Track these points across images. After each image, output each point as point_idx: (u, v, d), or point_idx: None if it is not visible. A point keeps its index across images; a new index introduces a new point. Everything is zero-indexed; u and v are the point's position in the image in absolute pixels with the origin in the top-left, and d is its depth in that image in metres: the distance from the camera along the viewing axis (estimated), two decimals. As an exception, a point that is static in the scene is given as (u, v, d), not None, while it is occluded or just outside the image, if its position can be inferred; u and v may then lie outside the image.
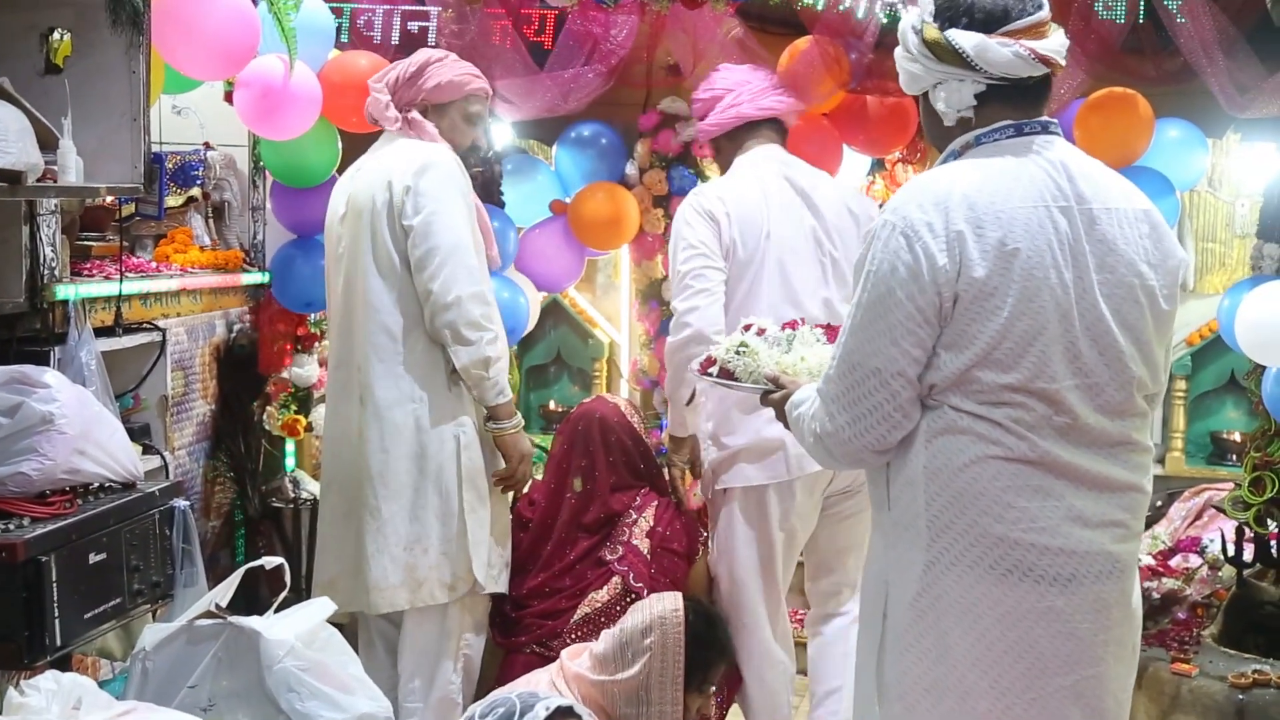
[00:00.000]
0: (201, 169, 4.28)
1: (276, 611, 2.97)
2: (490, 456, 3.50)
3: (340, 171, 4.26)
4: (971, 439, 2.18)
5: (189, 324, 4.05)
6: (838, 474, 3.45)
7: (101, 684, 2.94)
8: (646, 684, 2.85)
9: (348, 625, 3.75)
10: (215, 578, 3.33)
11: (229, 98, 4.00)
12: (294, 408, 4.51)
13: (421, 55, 3.54)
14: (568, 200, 4.48)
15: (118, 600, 2.86)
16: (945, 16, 2.23)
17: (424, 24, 4.11)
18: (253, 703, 2.78)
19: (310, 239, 4.38)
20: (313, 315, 4.52)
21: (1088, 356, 2.17)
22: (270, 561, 3.04)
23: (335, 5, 4.06)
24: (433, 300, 3.31)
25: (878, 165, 4.96)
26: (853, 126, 4.15)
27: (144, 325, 3.73)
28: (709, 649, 2.92)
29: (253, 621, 2.81)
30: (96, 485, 2.94)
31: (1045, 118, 2.26)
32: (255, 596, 3.23)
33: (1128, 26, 3.75)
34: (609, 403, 3.83)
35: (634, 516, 3.59)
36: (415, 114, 3.50)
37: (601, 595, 3.51)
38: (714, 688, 3.08)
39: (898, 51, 2.33)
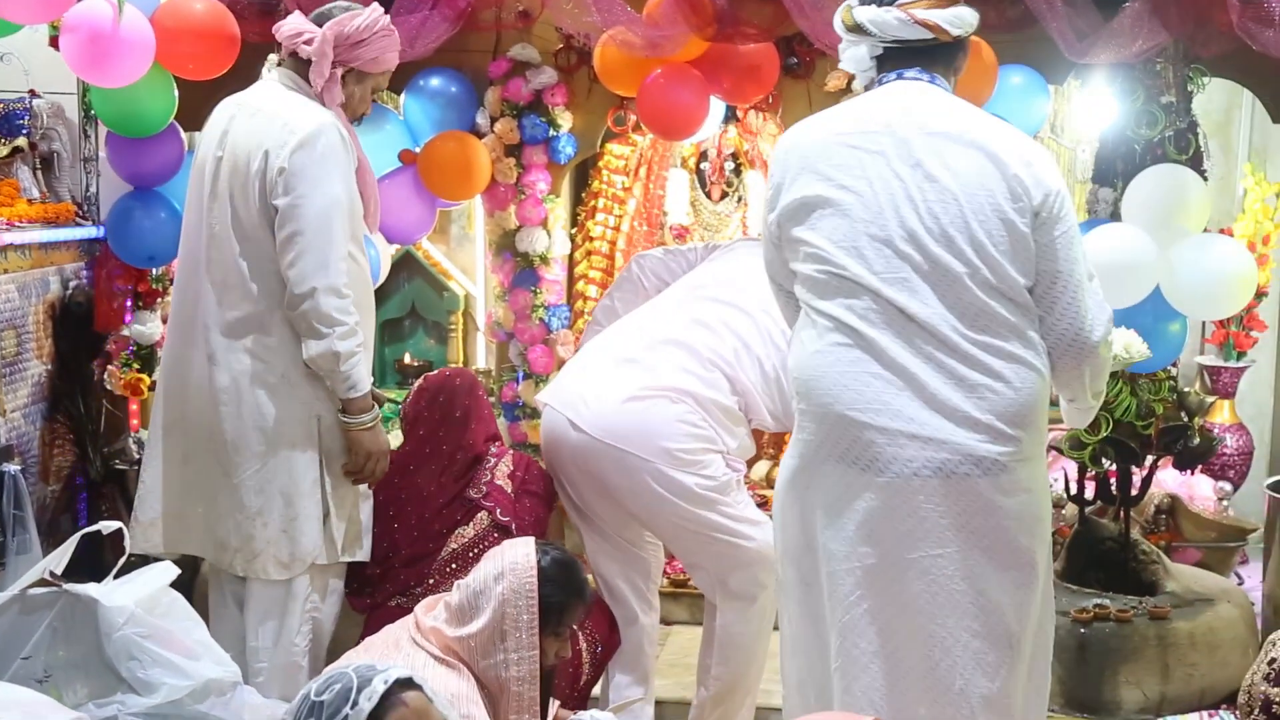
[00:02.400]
0: (27, 118, 4.09)
1: (117, 577, 2.88)
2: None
3: (181, 118, 4.13)
4: (815, 330, 2.57)
5: (19, 280, 3.88)
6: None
7: (-71, 658, 2.82)
8: (501, 629, 2.82)
9: (197, 585, 3.67)
10: (55, 544, 3.22)
11: (54, 43, 3.82)
12: (136, 366, 4.36)
13: (370, 19, 3.36)
14: (417, 150, 4.40)
15: (-57, 571, 2.75)
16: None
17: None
18: (92, 673, 2.70)
19: (149, 190, 4.23)
20: (154, 270, 4.37)
21: (909, 252, 2.49)
22: (107, 526, 2.94)
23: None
24: (289, 287, 3.23)
25: (731, 114, 4.96)
26: (717, 74, 4.12)
27: (-31, 283, 3.57)
28: (563, 591, 2.88)
29: (90, 589, 2.72)
30: (-83, 452, 2.81)
31: (903, 68, 2.65)
32: (99, 562, 3.13)
33: (971, -27, 3.80)
34: (463, 369, 3.98)
35: (494, 461, 3.60)
36: (339, 74, 3.36)
37: (468, 531, 3.50)
38: (570, 630, 3.05)
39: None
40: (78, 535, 2.92)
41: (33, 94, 4.20)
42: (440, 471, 3.59)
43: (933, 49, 2.64)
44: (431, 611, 2.95)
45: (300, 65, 3.37)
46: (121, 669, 2.67)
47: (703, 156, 5.29)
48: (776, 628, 3.26)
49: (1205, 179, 3.72)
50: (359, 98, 3.45)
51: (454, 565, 3.45)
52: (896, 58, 2.66)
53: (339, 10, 3.38)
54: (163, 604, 2.82)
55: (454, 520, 3.52)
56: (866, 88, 2.74)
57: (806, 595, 2.66)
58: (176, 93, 4.05)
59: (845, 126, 2.63)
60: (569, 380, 3.63)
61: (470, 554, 3.45)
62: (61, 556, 2.83)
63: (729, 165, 5.29)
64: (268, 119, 3.29)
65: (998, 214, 2.49)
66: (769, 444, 5.46)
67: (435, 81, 4.41)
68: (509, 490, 3.55)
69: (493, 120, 4.45)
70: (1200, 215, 3.68)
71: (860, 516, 2.51)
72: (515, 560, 2.87)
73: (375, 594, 3.52)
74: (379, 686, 2.12)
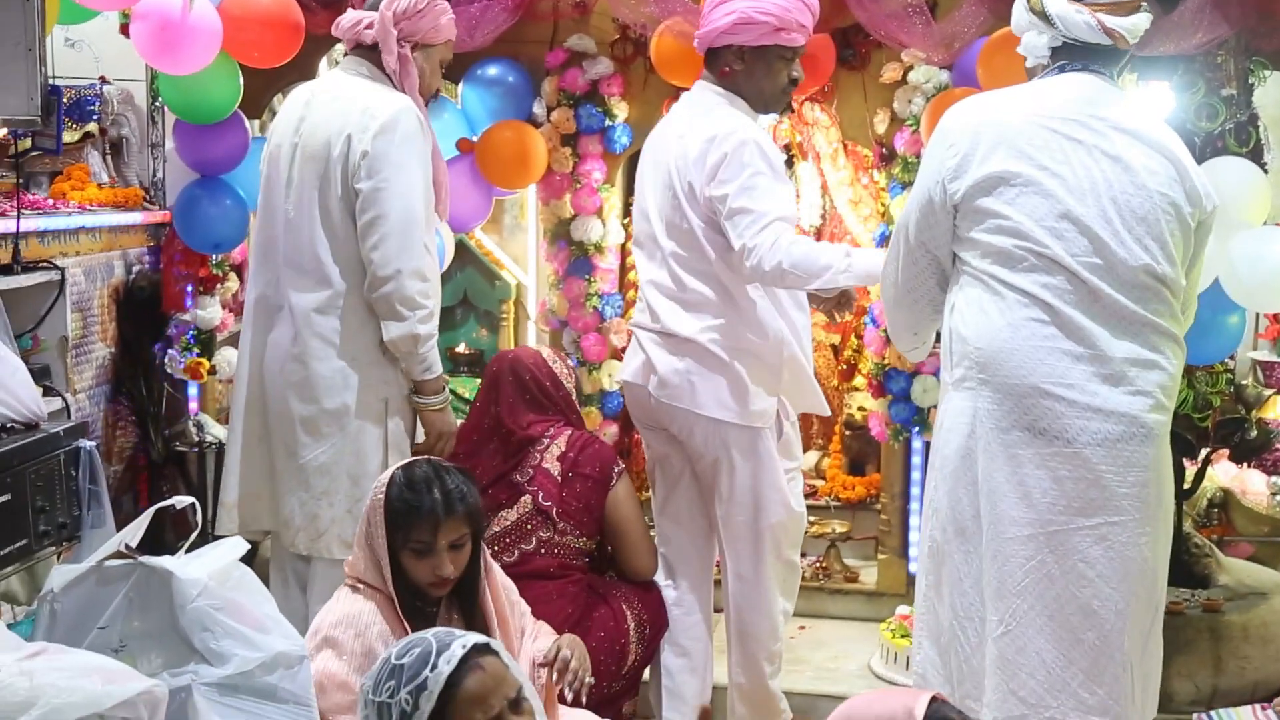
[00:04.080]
0: (98, 104, 4.17)
1: (188, 552, 2.92)
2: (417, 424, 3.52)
3: (242, 107, 4.20)
4: (1002, 302, 2.69)
5: (86, 264, 3.96)
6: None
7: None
8: (369, 545, 2.85)
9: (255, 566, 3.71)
10: (118, 524, 3.27)
11: (125, 30, 3.89)
12: (197, 350, 4.43)
13: None
14: (475, 139, 4.44)
15: (23, 542, 2.81)
16: None
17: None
18: (166, 643, 2.73)
19: (214, 178, 4.29)
20: (215, 256, 4.43)
21: (1104, 239, 2.63)
22: (181, 501, 2.97)
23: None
24: (371, 270, 3.29)
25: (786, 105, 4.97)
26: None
27: (42, 264, 3.64)
28: (403, 503, 2.83)
29: (165, 561, 2.76)
30: (-1, 425, 2.87)
31: (1087, 62, 2.76)
32: (160, 541, 3.18)
33: (1030, -34, 3.80)
34: (529, 349, 3.90)
35: (546, 443, 3.62)
36: (408, 50, 3.42)
37: (511, 514, 3.54)
38: (428, 549, 2.85)
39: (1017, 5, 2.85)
40: (152, 509, 2.96)
41: (103, 80, 4.28)
42: (492, 453, 3.63)
43: (1108, 51, 2.77)
44: None
45: (369, 53, 3.43)
46: (195, 640, 2.70)
47: (756, 148, 5.30)
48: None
49: (1266, 171, 3.71)
50: (429, 72, 3.50)
51: (495, 547, 3.48)
52: (1073, 52, 2.78)
53: None
54: (234, 577, 2.84)
55: (498, 502, 3.56)
56: (1030, 73, 2.87)
57: (966, 565, 2.78)
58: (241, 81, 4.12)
59: (1040, 109, 2.73)
60: (629, 354, 3.68)
61: (511, 536, 3.52)
62: (136, 530, 2.87)
63: (782, 156, 5.31)
64: (347, 104, 3.34)
65: (1178, 216, 2.69)
66: (818, 434, 5.48)
67: (493, 71, 4.46)
68: (556, 474, 3.58)
69: (549, 110, 4.50)
70: (1261, 208, 3.67)
71: (1045, 484, 2.66)
72: (379, 480, 2.88)
73: None
74: (457, 651, 2.16)
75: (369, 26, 3.39)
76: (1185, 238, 2.72)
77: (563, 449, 3.62)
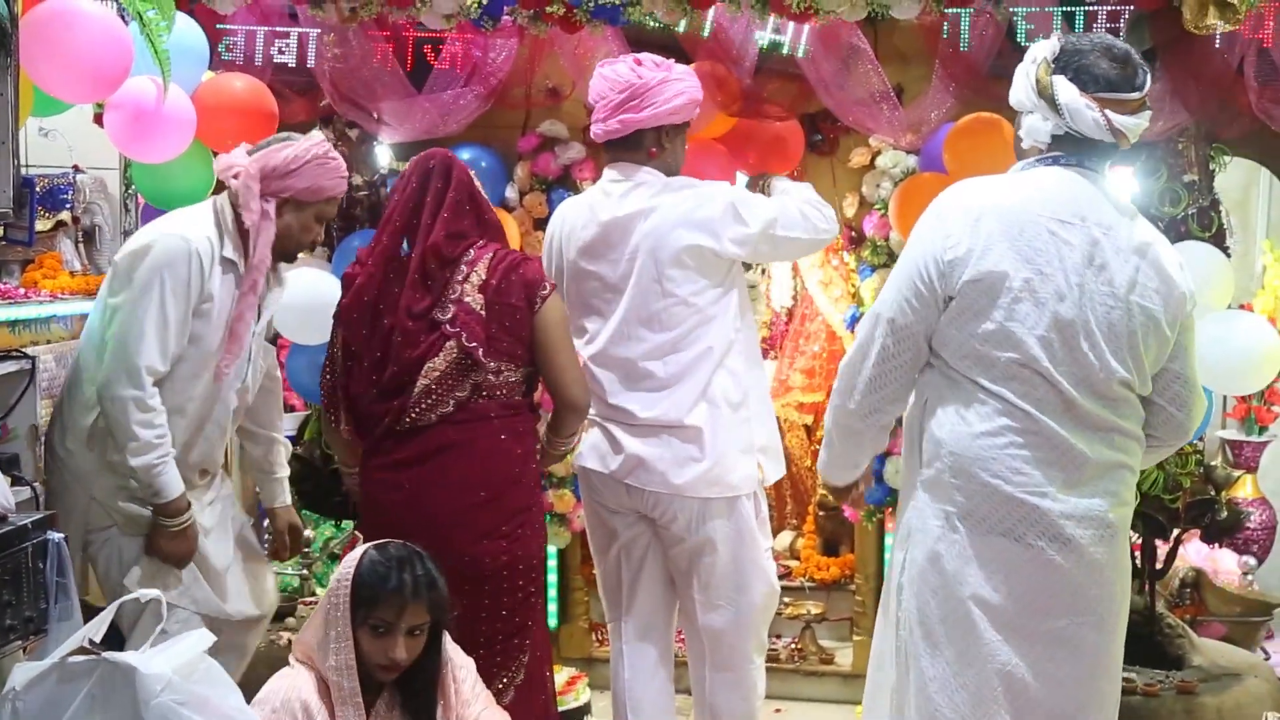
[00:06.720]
0: (71, 192, 4.18)
1: (153, 645, 2.89)
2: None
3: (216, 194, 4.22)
4: (980, 409, 2.68)
5: (58, 351, 3.93)
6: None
7: (-33, 727, 2.84)
8: (326, 620, 2.82)
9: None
10: (86, 616, 3.24)
11: (99, 120, 3.91)
12: (167, 435, 4.40)
13: (301, 149, 3.34)
14: (448, 223, 4.46)
15: (-12, 637, 2.77)
16: (1061, 63, 2.67)
17: (304, 30, 4.11)
18: (129, 740, 2.70)
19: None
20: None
21: (1084, 350, 2.63)
22: (146, 594, 2.96)
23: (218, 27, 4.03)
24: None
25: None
26: (743, 149, 4.20)
27: (12, 353, 3.62)
28: (372, 580, 2.80)
29: (127, 656, 2.73)
30: (-36, 518, 2.85)
31: (1081, 156, 2.70)
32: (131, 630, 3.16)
33: (993, 53, 3.88)
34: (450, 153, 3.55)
35: (465, 271, 3.36)
36: (270, 206, 3.33)
37: (439, 364, 3.33)
38: (388, 630, 2.80)
39: (1020, 66, 2.75)
40: (116, 604, 2.94)
41: (76, 169, 4.30)
42: (413, 286, 3.36)
43: (1106, 147, 2.71)
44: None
45: (236, 195, 3.36)
46: (159, 737, 2.68)
47: (727, 230, 5.35)
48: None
49: (1229, 255, 3.77)
50: (299, 227, 3.42)
51: (430, 399, 3.32)
52: (1073, 143, 2.70)
53: (277, 141, 3.39)
54: (199, 670, 2.82)
55: (425, 352, 3.32)
56: (1020, 152, 2.81)
57: (933, 668, 2.74)
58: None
59: (1039, 208, 2.66)
60: (594, 440, 3.62)
61: (444, 387, 3.32)
62: (100, 625, 2.85)
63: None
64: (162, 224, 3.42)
65: (1157, 330, 2.69)
66: (792, 515, 5.48)
67: (466, 156, 4.47)
68: (479, 307, 3.32)
69: (522, 194, 4.55)
70: (1225, 292, 3.73)
71: (1019, 590, 2.67)
72: (352, 554, 2.86)
73: (373, 431, 3.42)
74: None
75: (235, 175, 3.33)
76: (1161, 348, 2.72)
77: (484, 277, 3.35)
